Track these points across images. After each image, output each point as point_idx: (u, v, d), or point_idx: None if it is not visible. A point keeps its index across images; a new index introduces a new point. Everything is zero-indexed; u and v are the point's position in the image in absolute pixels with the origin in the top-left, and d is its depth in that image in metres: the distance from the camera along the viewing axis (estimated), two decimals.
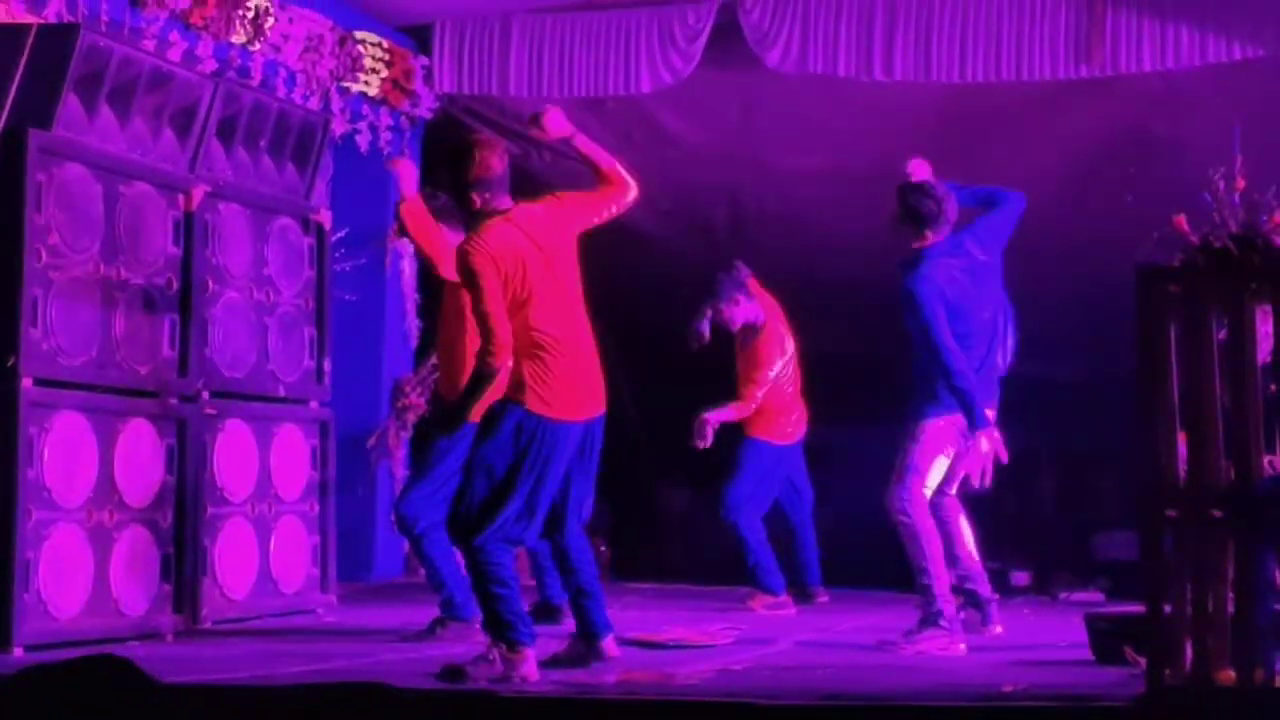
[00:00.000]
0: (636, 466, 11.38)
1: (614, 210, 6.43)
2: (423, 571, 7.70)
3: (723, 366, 9.39)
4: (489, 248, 6.01)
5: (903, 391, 7.42)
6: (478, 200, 6.10)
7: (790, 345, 9.35)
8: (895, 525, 7.17)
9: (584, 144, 6.49)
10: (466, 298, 6.30)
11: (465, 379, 6.34)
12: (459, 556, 6.99)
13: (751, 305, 9.30)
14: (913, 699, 5.43)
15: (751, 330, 9.30)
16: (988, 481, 7.17)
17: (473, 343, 6.21)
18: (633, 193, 6.44)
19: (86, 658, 2.14)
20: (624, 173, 6.44)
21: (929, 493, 7.25)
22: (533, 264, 6.05)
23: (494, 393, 6.12)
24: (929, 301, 7.09)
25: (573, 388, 6.11)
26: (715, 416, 9.04)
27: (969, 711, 5.20)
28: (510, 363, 6.01)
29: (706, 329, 9.28)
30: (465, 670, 5.90)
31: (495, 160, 6.14)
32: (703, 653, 7.02)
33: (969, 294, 7.27)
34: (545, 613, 7.76)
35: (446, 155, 6.35)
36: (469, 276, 6.03)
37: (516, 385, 6.06)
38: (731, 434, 9.27)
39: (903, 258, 7.30)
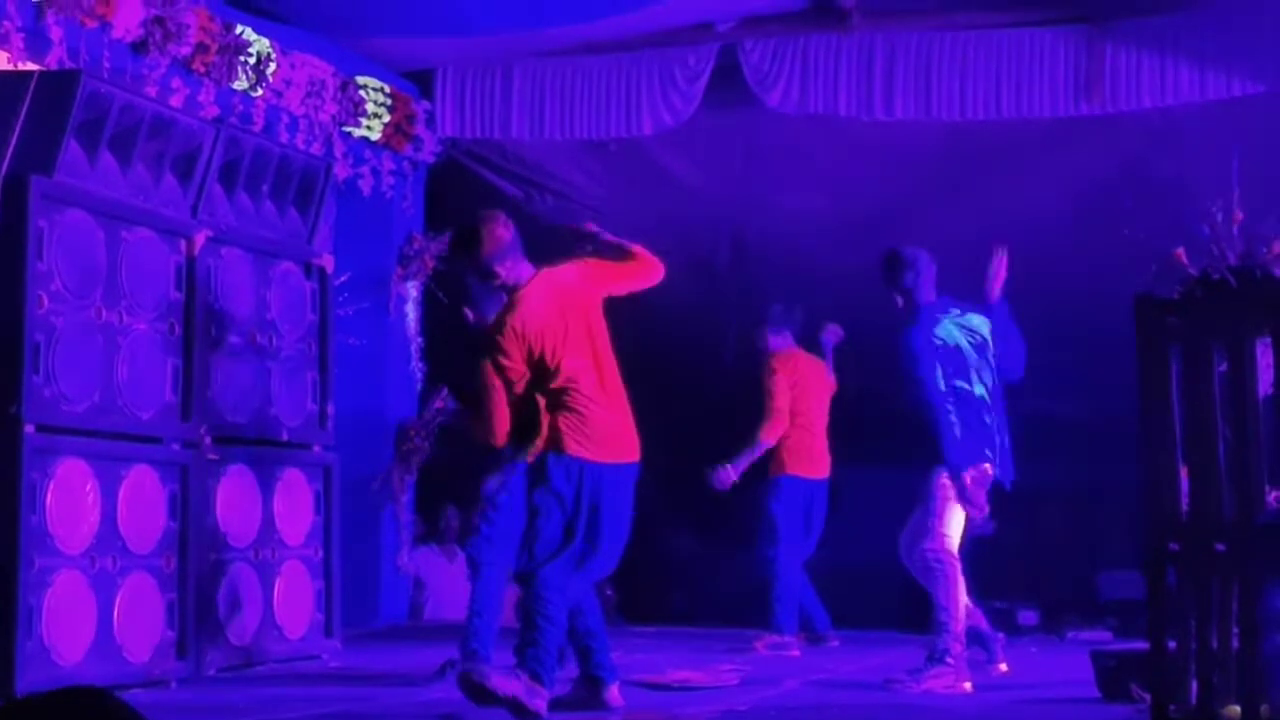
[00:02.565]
0: (641, 509, 11.36)
1: (638, 286, 6.69)
2: (428, 613, 7.66)
3: (727, 408, 9.38)
4: (517, 325, 6.26)
5: (906, 434, 7.43)
6: (501, 273, 6.37)
7: (809, 392, 9.40)
8: (928, 570, 7.21)
9: (613, 239, 6.70)
10: None
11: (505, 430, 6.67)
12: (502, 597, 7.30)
13: (779, 337, 9.37)
14: None
15: (769, 363, 9.34)
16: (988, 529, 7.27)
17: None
18: (659, 274, 6.69)
19: (62, 690, 2.12)
20: (653, 256, 6.68)
21: (952, 542, 7.27)
22: (562, 326, 6.28)
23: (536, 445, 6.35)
24: (924, 354, 7.20)
25: (607, 434, 6.29)
26: (737, 466, 9.08)
27: None
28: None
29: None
30: (491, 677, 5.96)
31: (501, 230, 6.41)
32: (708, 694, 6.99)
33: (965, 350, 7.37)
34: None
35: (456, 243, 6.67)
36: (492, 354, 6.33)
37: (554, 437, 6.24)
38: (757, 471, 9.29)
39: (900, 314, 7.41)
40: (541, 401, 6.29)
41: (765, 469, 9.30)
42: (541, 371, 6.25)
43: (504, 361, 6.25)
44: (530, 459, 6.35)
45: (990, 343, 7.53)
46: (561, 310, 6.32)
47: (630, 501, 6.43)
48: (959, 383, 7.31)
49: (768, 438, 9.16)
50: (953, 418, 7.18)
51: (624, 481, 6.38)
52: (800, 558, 9.29)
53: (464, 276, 7.39)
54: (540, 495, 6.23)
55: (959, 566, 7.23)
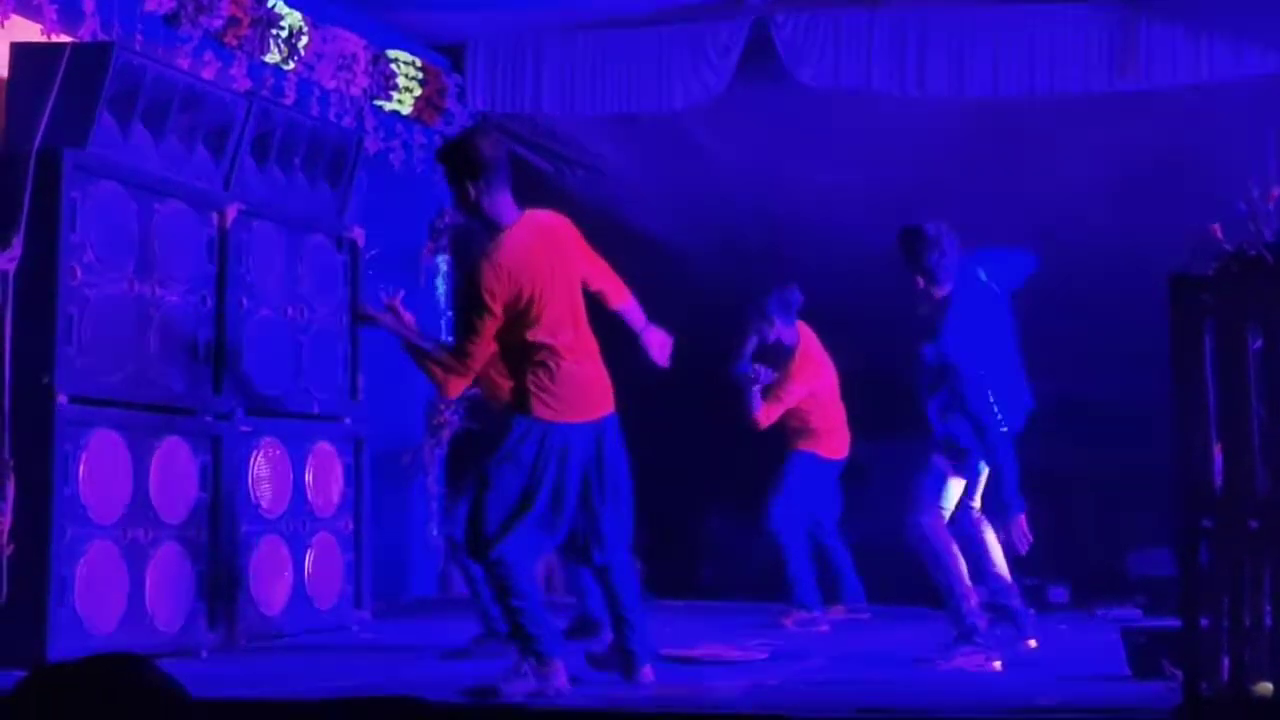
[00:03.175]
0: (670, 484, 11.36)
1: (610, 294, 6.45)
2: (459, 586, 7.67)
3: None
4: (504, 262, 5.97)
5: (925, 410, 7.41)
6: (484, 205, 6.04)
7: (827, 370, 9.36)
8: (918, 550, 7.16)
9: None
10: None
11: (507, 387, 6.32)
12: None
13: (790, 329, 9.32)
14: (948, 713, 5.39)
15: (785, 351, 9.31)
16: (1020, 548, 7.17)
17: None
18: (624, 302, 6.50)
19: (96, 657, 2.12)
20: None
21: (946, 514, 7.23)
22: (548, 272, 6.03)
23: (501, 404, 6.16)
24: (958, 354, 7.10)
25: (577, 390, 6.07)
26: (755, 397, 9.03)
27: None
28: (460, 388, 6.22)
29: (748, 367, 9.22)
30: (497, 687, 5.87)
31: (488, 147, 6.08)
32: (737, 668, 6.99)
33: (991, 328, 7.29)
34: (585, 627, 7.74)
35: (443, 149, 6.41)
36: (474, 288, 5.99)
37: (520, 397, 6.05)
38: (776, 448, 9.27)
39: (924, 307, 7.30)
40: (507, 357, 6.09)
41: (786, 446, 9.27)
42: (518, 319, 5.96)
43: (487, 301, 5.90)
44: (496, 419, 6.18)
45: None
46: (549, 255, 6.06)
47: (622, 462, 6.22)
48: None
49: (764, 420, 9.13)
50: (1003, 430, 7.05)
51: (603, 438, 6.13)
52: (823, 528, 9.27)
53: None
54: (496, 461, 5.98)
55: (950, 544, 7.16)
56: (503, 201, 6.08)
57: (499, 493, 5.98)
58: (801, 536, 9.14)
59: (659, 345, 6.50)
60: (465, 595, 10.31)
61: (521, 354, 6.03)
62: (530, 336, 5.99)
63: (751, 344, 9.24)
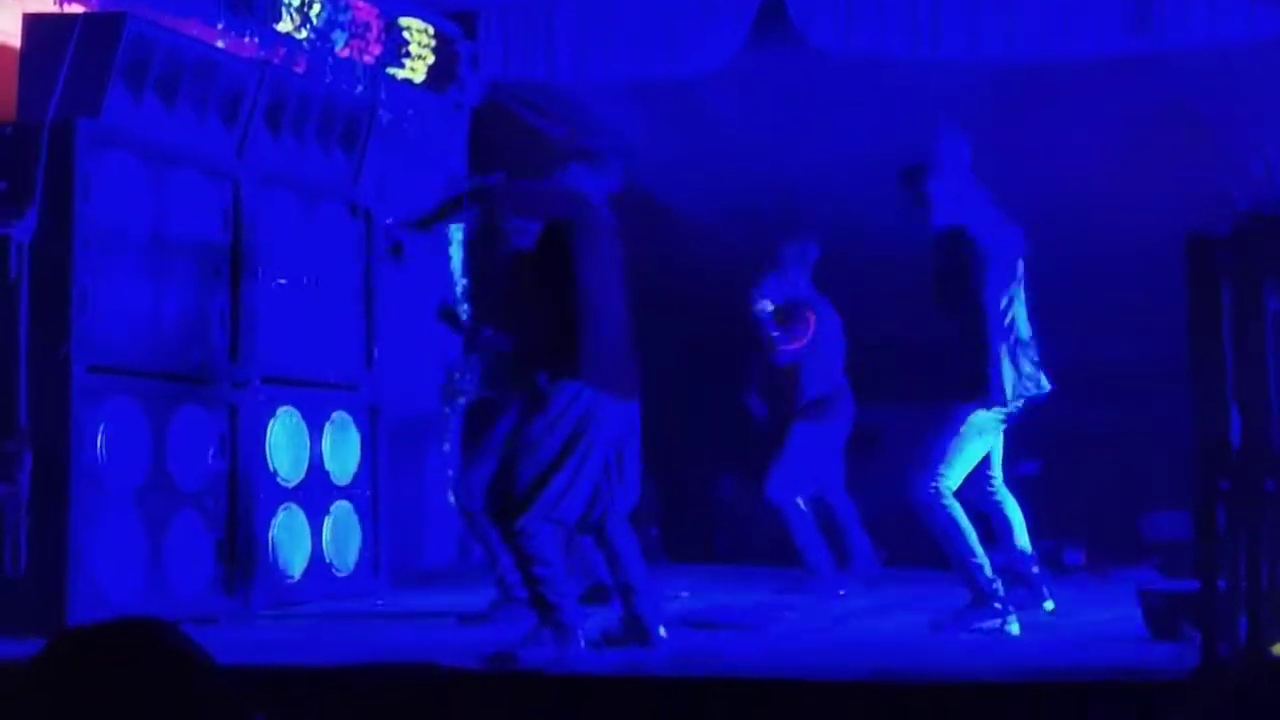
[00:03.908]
0: (685, 450, 11.37)
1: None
2: (477, 553, 7.68)
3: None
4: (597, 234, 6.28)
5: (950, 372, 7.37)
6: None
7: (836, 334, 9.35)
8: (921, 514, 7.09)
9: None
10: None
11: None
12: None
13: (806, 283, 9.31)
14: (964, 676, 5.40)
15: (796, 305, 9.30)
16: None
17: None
18: None
19: (117, 620, 2.13)
20: None
21: (957, 483, 7.14)
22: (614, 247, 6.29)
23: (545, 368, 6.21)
24: (983, 256, 7.06)
25: (618, 369, 6.18)
26: (769, 323, 9.02)
27: (1022, 689, 5.17)
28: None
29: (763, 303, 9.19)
30: (516, 654, 5.89)
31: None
32: (752, 633, 7.00)
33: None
34: (597, 594, 7.75)
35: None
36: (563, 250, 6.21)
37: (568, 360, 6.09)
38: (781, 415, 9.26)
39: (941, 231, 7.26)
40: (552, 319, 6.19)
41: (789, 413, 9.26)
42: (585, 291, 6.16)
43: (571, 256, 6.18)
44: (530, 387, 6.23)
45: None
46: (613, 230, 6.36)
47: (638, 442, 6.35)
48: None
49: (786, 353, 9.12)
50: (1004, 350, 7.00)
51: (632, 421, 6.29)
52: (812, 495, 9.25)
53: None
54: (537, 427, 6.07)
55: (958, 510, 7.08)
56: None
57: (534, 460, 6.02)
58: (805, 504, 9.12)
59: None
60: (482, 562, 10.37)
61: (561, 322, 6.14)
62: (574, 305, 6.14)
63: (769, 282, 9.17)
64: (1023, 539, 7.47)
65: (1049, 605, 7.60)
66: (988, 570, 7.04)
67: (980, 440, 7.16)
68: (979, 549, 7.06)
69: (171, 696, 2.04)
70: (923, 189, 7.21)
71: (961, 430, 7.08)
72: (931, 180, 7.19)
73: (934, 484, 7.02)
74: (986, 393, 7.03)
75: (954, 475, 7.07)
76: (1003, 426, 7.24)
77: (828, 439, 9.31)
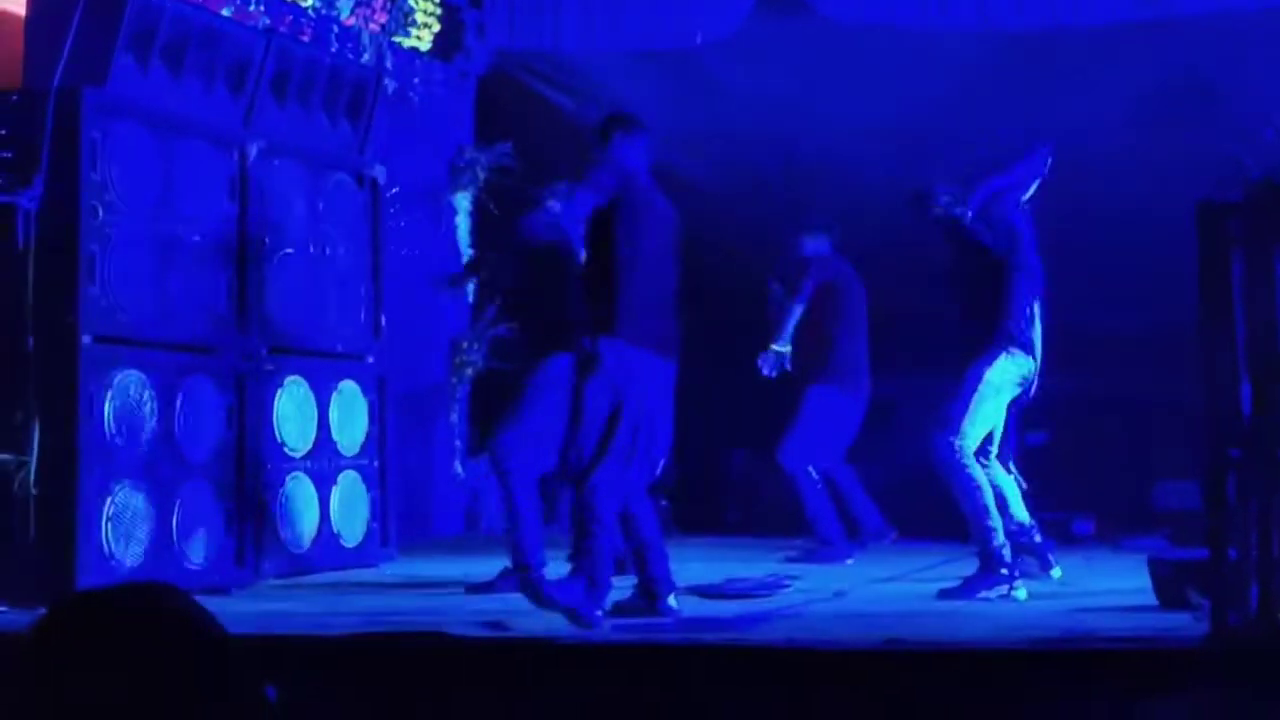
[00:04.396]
0: (696, 422, 11.36)
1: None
2: (484, 524, 7.67)
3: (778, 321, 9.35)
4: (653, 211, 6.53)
5: (956, 341, 7.38)
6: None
7: (860, 298, 9.36)
8: (943, 473, 7.12)
9: None
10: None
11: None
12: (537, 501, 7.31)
13: (824, 244, 9.32)
14: (973, 644, 5.40)
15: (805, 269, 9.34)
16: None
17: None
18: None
19: (126, 584, 2.12)
20: None
21: (976, 442, 7.19)
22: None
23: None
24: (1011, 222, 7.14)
25: (660, 330, 6.40)
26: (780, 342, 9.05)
27: (1031, 655, 5.17)
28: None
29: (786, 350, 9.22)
30: (551, 587, 6.09)
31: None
32: (763, 602, 7.00)
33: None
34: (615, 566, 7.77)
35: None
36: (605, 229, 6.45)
37: (610, 320, 6.30)
38: (795, 385, 9.26)
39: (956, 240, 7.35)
40: (597, 281, 6.36)
41: (805, 379, 9.26)
42: (634, 261, 6.37)
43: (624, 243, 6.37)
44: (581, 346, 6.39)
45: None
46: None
47: (671, 402, 6.51)
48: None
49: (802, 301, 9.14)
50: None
51: (667, 380, 6.47)
52: (822, 465, 9.24)
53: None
54: (589, 385, 6.28)
55: (978, 470, 7.14)
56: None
57: (595, 420, 6.26)
58: (814, 473, 9.12)
59: None
60: (488, 533, 10.38)
61: (610, 287, 6.36)
62: (623, 271, 6.38)
63: (788, 327, 9.20)
64: (1020, 511, 7.48)
65: (1056, 573, 7.61)
66: (1000, 537, 7.06)
67: (997, 399, 7.20)
68: (994, 513, 7.09)
69: (178, 660, 2.02)
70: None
71: (980, 388, 7.12)
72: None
73: (955, 441, 7.07)
74: (1010, 338, 7.11)
75: (973, 434, 7.14)
76: (1017, 390, 7.26)
77: (844, 409, 9.30)
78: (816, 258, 9.34)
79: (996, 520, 7.09)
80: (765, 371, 9.05)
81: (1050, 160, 7.46)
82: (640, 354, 6.30)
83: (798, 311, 9.11)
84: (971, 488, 7.07)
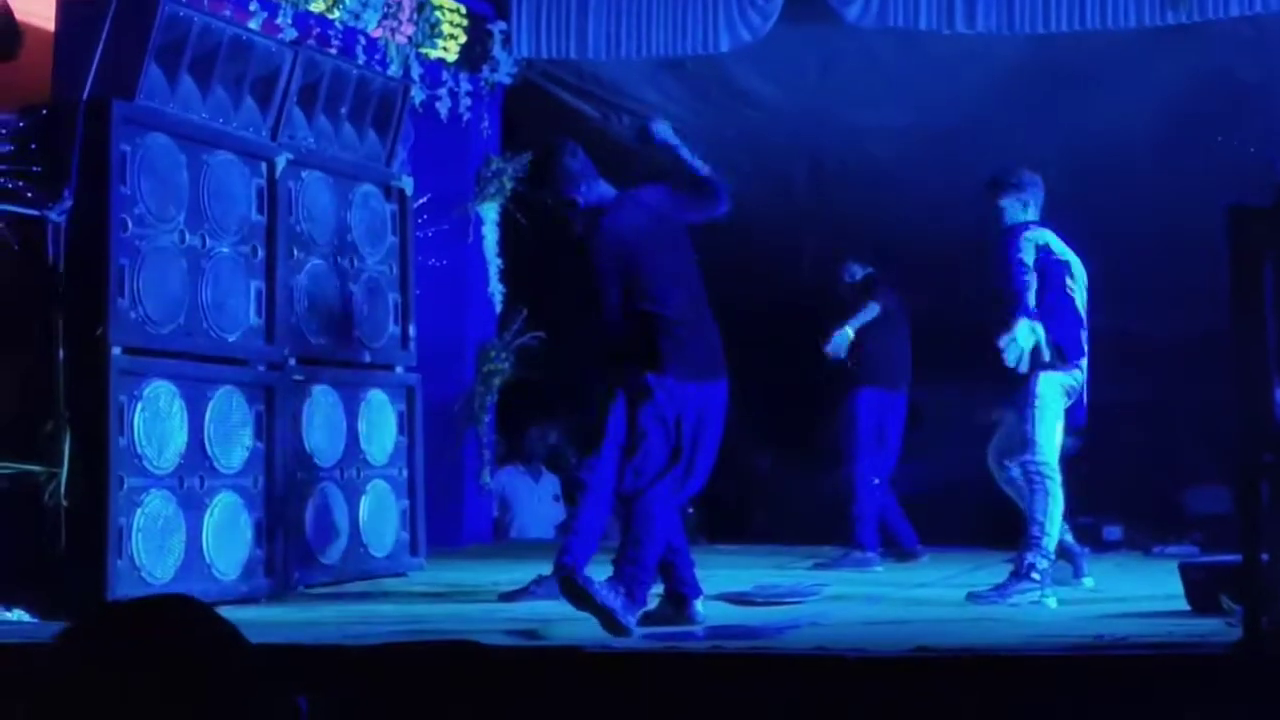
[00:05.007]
0: (724, 429, 11.36)
1: (702, 217, 6.67)
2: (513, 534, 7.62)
3: (805, 326, 9.35)
4: (604, 243, 6.39)
5: (994, 349, 7.39)
6: (578, 200, 6.48)
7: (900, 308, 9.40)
8: (1028, 483, 7.15)
9: (686, 156, 6.65)
10: None
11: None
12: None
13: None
14: (1005, 650, 5.38)
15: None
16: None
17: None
18: (724, 207, 6.64)
19: (155, 597, 2.13)
20: (719, 186, 6.62)
21: (1056, 453, 7.21)
22: (654, 245, 6.39)
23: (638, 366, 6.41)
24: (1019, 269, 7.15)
25: (701, 357, 6.41)
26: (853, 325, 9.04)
27: (1062, 661, 5.15)
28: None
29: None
30: (594, 586, 6.04)
31: (568, 159, 6.52)
32: (792, 608, 7.00)
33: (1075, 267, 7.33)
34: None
35: (529, 180, 6.71)
36: (591, 269, 6.42)
37: (654, 360, 6.31)
38: (827, 393, 9.27)
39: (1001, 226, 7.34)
40: (637, 323, 6.36)
41: (845, 383, 9.28)
42: (633, 291, 6.33)
43: (604, 277, 6.35)
44: (631, 380, 6.37)
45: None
46: (651, 230, 6.42)
47: (721, 421, 6.53)
48: (1069, 285, 7.27)
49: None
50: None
51: (716, 401, 6.49)
52: (877, 473, 9.25)
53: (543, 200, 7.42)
54: (645, 416, 6.29)
55: (1060, 481, 7.17)
56: (599, 190, 6.52)
57: (653, 444, 6.29)
58: (872, 478, 9.14)
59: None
60: (516, 541, 10.40)
61: (643, 322, 6.35)
62: (644, 307, 6.33)
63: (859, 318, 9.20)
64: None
65: (1089, 581, 7.59)
66: (1048, 548, 7.07)
67: (1055, 409, 7.22)
68: (1055, 527, 7.11)
69: (200, 673, 2.03)
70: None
71: (1036, 403, 7.20)
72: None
73: (1036, 459, 7.17)
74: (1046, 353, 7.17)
75: (1050, 447, 7.22)
76: (1068, 400, 7.30)
77: (892, 407, 9.33)
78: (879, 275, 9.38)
79: (1056, 534, 7.14)
80: (831, 353, 9.01)
81: None
82: (685, 386, 6.37)
83: (874, 310, 9.13)
84: (1052, 503, 7.12)
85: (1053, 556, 7.13)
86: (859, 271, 9.45)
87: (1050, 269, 7.30)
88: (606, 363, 6.58)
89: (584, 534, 6.78)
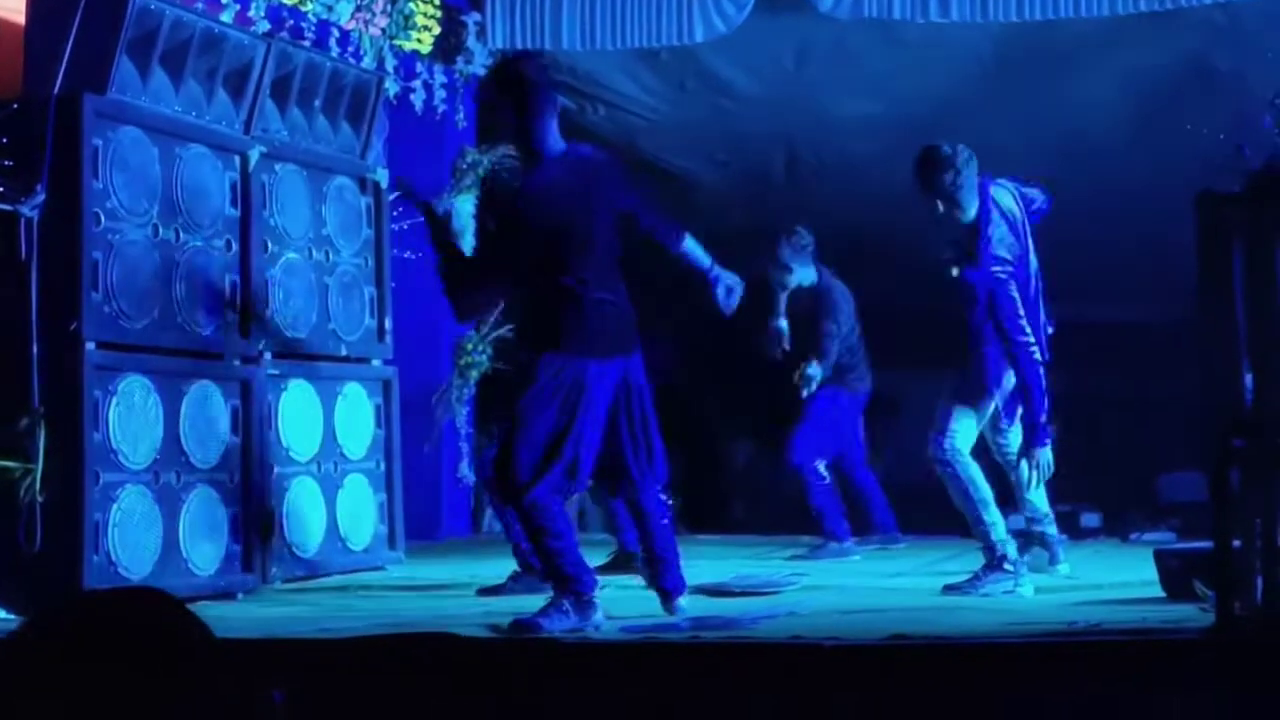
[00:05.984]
0: (701, 419, 11.37)
1: (649, 227, 6.44)
2: (496, 527, 7.66)
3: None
4: (535, 195, 6.02)
5: (956, 340, 7.39)
6: (515, 115, 6.05)
7: (848, 305, 9.35)
8: (939, 474, 7.13)
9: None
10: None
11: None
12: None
13: (808, 269, 9.28)
14: (979, 638, 5.40)
15: (808, 291, 9.29)
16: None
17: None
18: (673, 251, 6.49)
19: (125, 589, 2.13)
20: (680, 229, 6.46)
21: (974, 437, 7.18)
22: (585, 206, 6.04)
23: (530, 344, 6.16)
24: (995, 277, 7.07)
25: (604, 328, 6.04)
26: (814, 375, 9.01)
27: (1037, 648, 5.16)
28: (467, 313, 6.33)
29: (784, 326, 9.20)
30: (538, 623, 5.89)
31: (531, 69, 6.16)
32: (770, 599, 7.01)
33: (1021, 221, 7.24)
34: (622, 561, 7.77)
35: (489, 82, 6.38)
36: (505, 217, 6.11)
37: (549, 333, 6.02)
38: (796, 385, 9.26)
39: (951, 233, 7.27)
40: (538, 292, 6.04)
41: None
42: (547, 254, 5.95)
43: (516, 231, 5.98)
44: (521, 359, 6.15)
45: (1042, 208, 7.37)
46: (584, 190, 6.05)
47: (648, 400, 6.20)
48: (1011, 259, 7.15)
49: (825, 366, 9.11)
50: (1035, 355, 6.98)
51: (629, 379, 6.13)
52: (827, 462, 9.23)
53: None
54: (527, 401, 5.94)
55: (975, 469, 7.12)
56: (546, 130, 6.09)
57: (530, 434, 5.93)
58: (822, 471, 9.13)
59: (727, 291, 6.45)
60: (498, 534, 10.38)
61: (550, 291, 5.99)
62: (558, 274, 5.96)
63: (782, 300, 9.19)
64: (1039, 495, 7.48)
65: (1065, 568, 7.60)
66: (1000, 531, 7.06)
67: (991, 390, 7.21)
68: (992, 508, 7.09)
69: (166, 663, 2.03)
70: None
71: (976, 389, 7.15)
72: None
73: (945, 440, 7.11)
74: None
75: (965, 430, 7.15)
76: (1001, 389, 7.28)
77: (847, 405, 9.33)
78: (811, 287, 9.31)
79: (995, 516, 7.09)
80: (773, 352, 8.99)
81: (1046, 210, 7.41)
82: (582, 363, 5.98)
83: (783, 299, 9.11)
84: (968, 488, 7.07)
85: (1010, 539, 7.09)
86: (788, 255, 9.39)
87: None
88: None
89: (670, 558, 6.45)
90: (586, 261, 6.01)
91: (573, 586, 5.95)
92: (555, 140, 6.13)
